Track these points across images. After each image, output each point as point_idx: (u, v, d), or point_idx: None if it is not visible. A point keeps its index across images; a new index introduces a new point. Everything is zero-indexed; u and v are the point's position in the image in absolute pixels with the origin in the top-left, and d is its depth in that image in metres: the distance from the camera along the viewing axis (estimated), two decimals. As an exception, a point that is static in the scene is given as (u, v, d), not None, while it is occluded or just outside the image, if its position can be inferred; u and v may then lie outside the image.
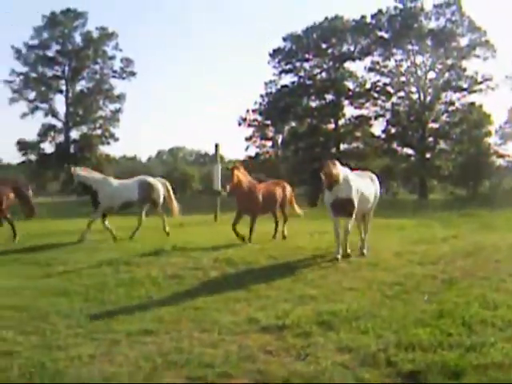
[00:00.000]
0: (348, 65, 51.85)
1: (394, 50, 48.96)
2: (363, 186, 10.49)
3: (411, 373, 4.55)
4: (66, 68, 56.47)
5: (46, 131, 56.38)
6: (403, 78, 49.54)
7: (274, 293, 7.67)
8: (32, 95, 56.09)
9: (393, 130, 49.75)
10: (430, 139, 48.62)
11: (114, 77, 58.03)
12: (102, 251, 11.33)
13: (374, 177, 11.26)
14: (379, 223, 12.46)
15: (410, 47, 48.14)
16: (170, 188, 14.38)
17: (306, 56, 52.22)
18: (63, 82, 56.88)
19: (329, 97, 51.62)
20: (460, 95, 48.40)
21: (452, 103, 48.60)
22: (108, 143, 58.69)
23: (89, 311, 6.77)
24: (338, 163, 10.02)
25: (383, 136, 50.25)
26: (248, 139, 53.36)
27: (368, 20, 49.45)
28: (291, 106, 50.30)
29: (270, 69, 53.64)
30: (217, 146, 19.53)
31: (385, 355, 4.91)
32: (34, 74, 55.70)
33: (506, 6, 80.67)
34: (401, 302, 7.00)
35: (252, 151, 53.72)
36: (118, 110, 58.11)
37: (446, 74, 48.22)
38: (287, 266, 9.54)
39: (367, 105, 51.14)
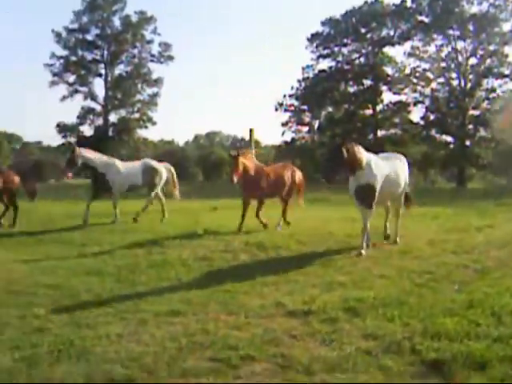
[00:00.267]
0: (387, 50, 50.95)
1: (435, 35, 47.77)
2: (390, 169, 9.82)
3: (435, 362, 4.50)
4: (105, 52, 57.07)
5: (85, 114, 57.23)
6: (443, 64, 48.38)
7: (302, 278, 7.68)
8: (72, 78, 56.91)
9: (432, 117, 48.69)
10: (470, 126, 47.45)
11: (152, 61, 58.40)
12: (135, 233, 11.56)
13: (403, 158, 10.61)
14: (414, 211, 12.25)
15: (451, 32, 46.87)
16: (174, 173, 14.49)
17: (345, 41, 51.50)
18: (102, 65, 57.53)
19: (367, 82, 50.85)
20: (502, 82, 47.02)
21: (493, 90, 47.18)
22: (146, 127, 59.29)
23: (119, 291, 6.93)
24: (361, 147, 9.48)
25: (422, 123, 49.26)
26: (284, 124, 53.07)
27: (408, 4, 48.29)
28: (328, 91, 49.82)
29: (307, 54, 53.20)
30: (251, 130, 19.45)
31: (410, 343, 4.88)
32: (73, 58, 56.45)
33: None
34: (430, 290, 6.91)
35: (288, 136, 53.52)
36: (155, 94, 58.52)
37: (488, 60, 46.81)
38: (317, 252, 9.53)
39: (406, 91, 50.14)
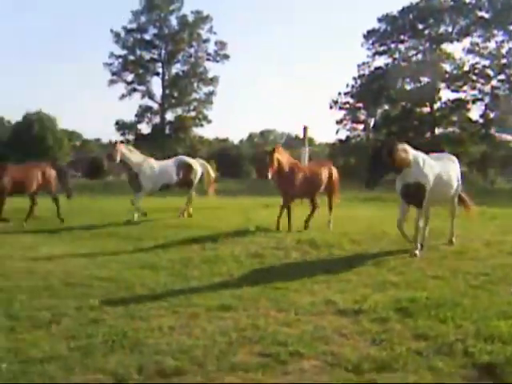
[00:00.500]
0: (445, 46, 49.94)
1: (495, 31, 46.52)
2: (442, 170, 9.48)
3: (488, 365, 4.40)
4: (163, 51, 58.19)
5: (142, 112, 58.54)
6: (504, 61, 46.96)
7: (354, 277, 7.63)
8: (130, 77, 58.34)
9: (491, 115, 47.35)
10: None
11: (208, 60, 59.18)
12: (189, 229, 11.74)
13: (455, 159, 10.28)
14: (472, 211, 11.92)
15: None
16: (209, 169, 14.44)
17: (402, 37, 50.73)
18: (160, 64, 58.69)
19: (424, 79, 49.89)
20: None
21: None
22: (201, 125, 60.17)
23: (173, 285, 7.08)
24: (407, 146, 9.19)
25: (481, 121, 47.98)
26: (339, 122, 52.76)
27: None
28: (384, 88, 49.17)
29: (363, 51, 52.65)
30: (305, 128, 19.45)
31: (462, 345, 4.77)
32: (131, 57, 57.81)
33: None
34: (485, 292, 6.73)
35: (343, 134, 53.11)
36: (211, 93, 59.26)
37: (551, 57, 45.23)
38: (370, 251, 9.44)
39: (465, 88, 48.98)
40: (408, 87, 51.20)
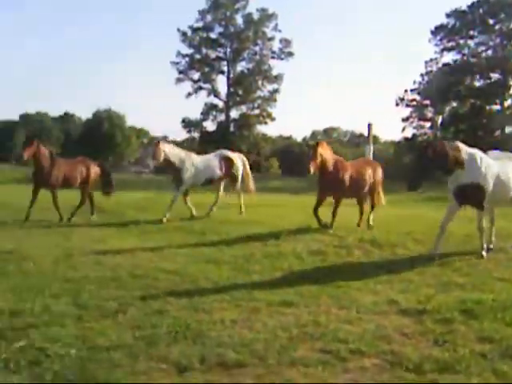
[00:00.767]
0: (517, 41, 47.94)
1: None
2: (500, 170, 8.89)
3: (556, 370, 4.27)
4: (228, 49, 58.77)
5: (208, 110, 59.35)
6: None
7: (417, 277, 7.52)
8: (196, 76, 59.23)
9: None
10: None
11: (272, 57, 59.30)
12: (251, 225, 11.85)
13: None
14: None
15: None
16: (247, 164, 14.35)
17: (471, 33, 49.05)
18: (225, 63, 59.31)
19: (495, 76, 48.13)
20: None
21: None
22: (265, 123, 60.37)
23: (235, 279, 7.21)
24: (461, 144, 8.78)
25: (556, 119, 45.90)
26: (405, 120, 51.68)
27: (542, -7, 45.20)
28: (453, 85, 47.72)
29: (430, 47, 51.34)
30: (370, 125, 19.18)
31: (529, 349, 4.65)
32: (198, 56, 58.67)
33: None
34: (556, 296, 6.50)
35: (409, 132, 52.03)
36: (275, 90, 59.36)
37: None
38: (434, 251, 9.23)
39: (538, 85, 46.93)
40: (477, 84, 49.60)
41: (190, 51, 58.76)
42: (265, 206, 14.27)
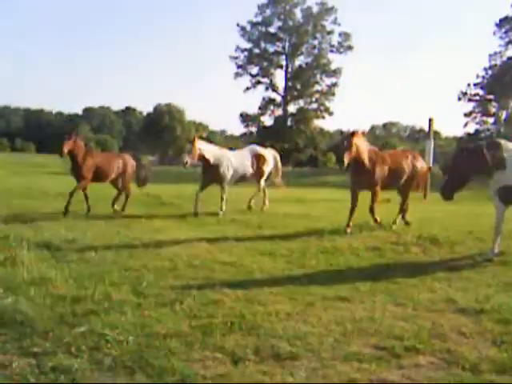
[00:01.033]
0: None
1: None
2: None
3: None
4: (287, 44, 58.73)
5: (266, 105, 59.65)
6: None
7: (477, 276, 7.33)
8: (255, 70, 59.54)
9: None
10: None
11: (331, 51, 58.87)
12: (308, 219, 11.92)
13: None
14: None
15: None
16: (278, 159, 14.21)
17: (540, 24, 47.23)
18: (283, 57, 59.35)
19: None
20: None
21: None
22: (323, 117, 60.08)
23: (290, 272, 7.26)
24: (503, 141, 8.29)
25: None
26: (467, 115, 50.29)
27: None
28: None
29: (495, 40, 49.63)
30: (430, 120, 18.73)
31: None
32: (256, 50, 58.96)
33: None
34: None
35: (471, 128, 50.62)
36: (334, 85, 59.03)
37: None
38: (495, 250, 8.97)
39: None
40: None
41: (248, 46, 59.13)
42: (321, 200, 14.21)
